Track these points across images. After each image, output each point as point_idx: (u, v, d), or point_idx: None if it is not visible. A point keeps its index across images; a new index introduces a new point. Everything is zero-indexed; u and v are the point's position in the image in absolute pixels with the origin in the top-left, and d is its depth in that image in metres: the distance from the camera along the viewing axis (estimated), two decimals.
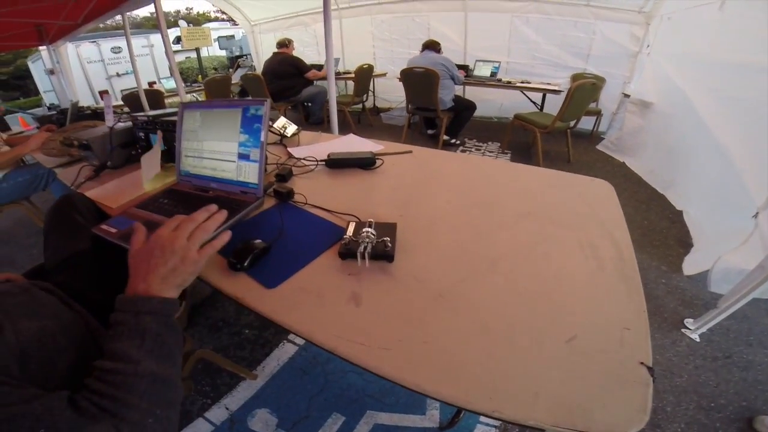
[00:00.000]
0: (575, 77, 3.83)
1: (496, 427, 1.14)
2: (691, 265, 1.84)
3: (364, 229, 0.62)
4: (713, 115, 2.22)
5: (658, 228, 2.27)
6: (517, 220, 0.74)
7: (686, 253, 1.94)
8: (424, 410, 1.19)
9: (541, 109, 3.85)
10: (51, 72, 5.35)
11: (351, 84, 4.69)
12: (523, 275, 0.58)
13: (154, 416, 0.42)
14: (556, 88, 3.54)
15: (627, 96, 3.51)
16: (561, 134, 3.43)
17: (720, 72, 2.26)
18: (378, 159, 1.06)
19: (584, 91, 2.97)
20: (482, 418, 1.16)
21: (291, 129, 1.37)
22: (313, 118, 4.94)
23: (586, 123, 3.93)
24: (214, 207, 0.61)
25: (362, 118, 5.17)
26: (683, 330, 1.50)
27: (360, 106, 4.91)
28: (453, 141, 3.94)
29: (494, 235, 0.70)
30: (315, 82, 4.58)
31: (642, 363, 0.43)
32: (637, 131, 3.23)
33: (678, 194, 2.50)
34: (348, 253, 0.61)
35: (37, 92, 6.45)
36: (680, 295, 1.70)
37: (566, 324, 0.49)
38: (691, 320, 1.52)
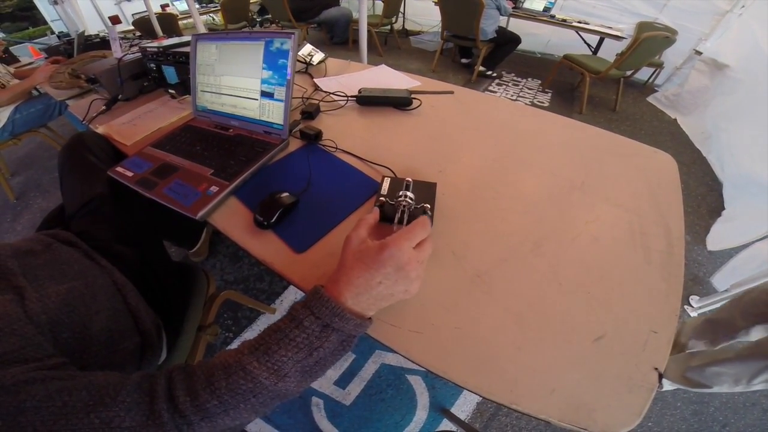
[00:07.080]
0: (642, 26, 3.31)
1: None
2: (716, 242, 1.77)
3: (401, 192, 0.56)
4: None
5: (693, 194, 2.15)
6: (570, 192, 0.67)
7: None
8: None
9: (595, 53, 3.41)
10: (55, 2, 5.06)
11: (379, 4, 4.18)
12: (567, 261, 0.54)
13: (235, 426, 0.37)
14: (619, 33, 3.11)
15: (699, 53, 3.08)
16: (611, 81, 3.09)
17: None
18: (415, 99, 0.95)
19: (654, 42, 2.60)
20: None
21: (317, 57, 1.24)
22: (336, 39, 4.54)
23: (642, 73, 3.51)
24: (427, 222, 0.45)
25: (389, 40, 4.71)
26: (686, 306, 1.48)
27: (388, 27, 4.44)
28: (489, 73, 3.62)
29: (543, 208, 0.63)
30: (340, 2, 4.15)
31: (656, 369, 0.42)
32: (701, 91, 2.91)
33: (722, 164, 2.32)
34: (383, 218, 0.56)
35: (45, 21, 6.17)
36: (695, 269, 1.64)
37: (599, 321, 0.47)
38: (696, 298, 1.48)
